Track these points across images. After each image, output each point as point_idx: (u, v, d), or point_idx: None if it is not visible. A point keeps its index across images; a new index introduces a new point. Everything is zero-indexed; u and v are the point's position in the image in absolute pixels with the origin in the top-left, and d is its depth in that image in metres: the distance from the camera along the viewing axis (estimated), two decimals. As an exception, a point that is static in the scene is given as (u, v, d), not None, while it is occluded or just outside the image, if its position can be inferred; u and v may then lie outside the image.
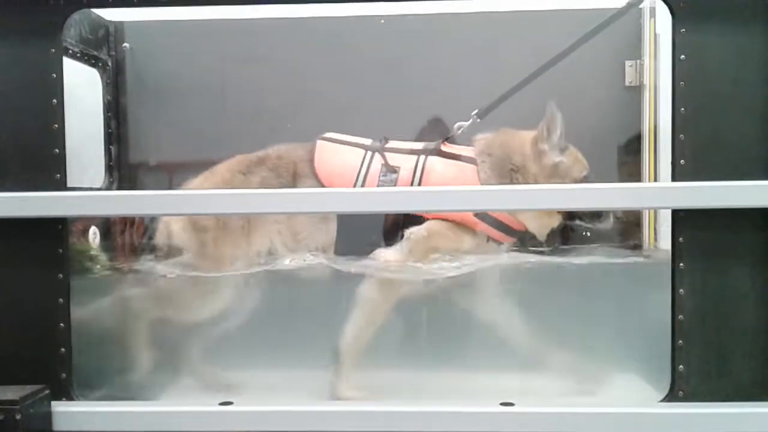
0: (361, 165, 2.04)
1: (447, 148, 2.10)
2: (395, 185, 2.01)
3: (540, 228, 2.06)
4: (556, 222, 2.06)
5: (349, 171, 2.03)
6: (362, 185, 2.01)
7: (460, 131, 2.13)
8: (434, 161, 2.05)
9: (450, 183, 2.01)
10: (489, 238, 2.04)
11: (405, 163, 2.04)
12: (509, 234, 2.04)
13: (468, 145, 2.12)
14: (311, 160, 2.08)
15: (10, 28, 1.76)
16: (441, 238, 2.00)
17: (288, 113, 2.49)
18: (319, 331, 2.05)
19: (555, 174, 2.03)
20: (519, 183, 2.03)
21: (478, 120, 2.12)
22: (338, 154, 2.09)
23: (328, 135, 2.14)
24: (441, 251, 2.00)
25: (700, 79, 1.68)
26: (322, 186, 2.04)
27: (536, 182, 2.02)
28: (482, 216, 1.99)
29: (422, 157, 2.05)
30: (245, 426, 1.73)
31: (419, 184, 2.01)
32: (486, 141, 2.11)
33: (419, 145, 2.12)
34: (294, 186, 2.08)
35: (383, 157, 2.05)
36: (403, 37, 2.45)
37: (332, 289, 2.05)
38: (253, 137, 2.48)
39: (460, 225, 2.01)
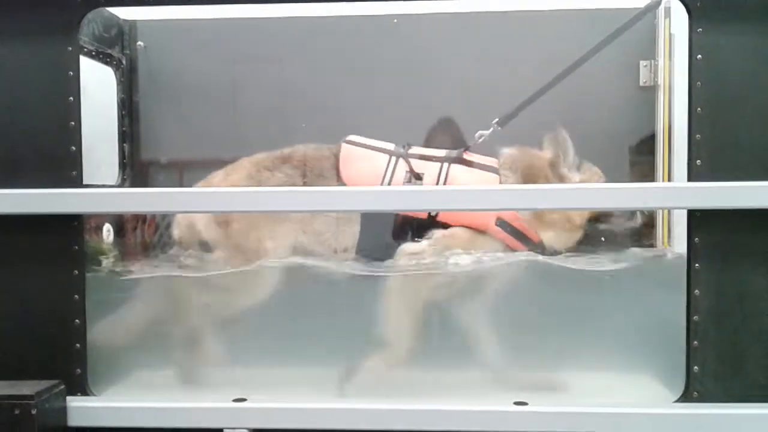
0: (386, 171, 2.05)
1: (469, 156, 2.11)
2: None
3: (556, 242, 2.06)
4: (575, 238, 2.07)
5: (373, 176, 2.05)
6: None
7: (481, 140, 2.13)
8: (457, 169, 2.07)
9: None
10: (506, 247, 2.04)
11: (428, 171, 2.06)
12: (526, 244, 2.05)
13: (488, 155, 2.13)
14: (336, 164, 2.09)
15: (27, 26, 1.78)
16: (462, 243, 2.01)
17: (300, 113, 2.50)
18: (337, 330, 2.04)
19: None
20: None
21: (499, 128, 2.12)
22: (363, 159, 2.10)
23: (351, 138, 2.15)
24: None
25: (716, 79, 1.67)
26: None
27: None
28: (503, 225, 2.01)
29: (445, 165, 2.07)
30: (259, 423, 1.74)
31: None
32: (512, 158, 2.12)
33: (442, 153, 2.13)
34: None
35: (408, 163, 2.07)
36: (416, 37, 2.45)
37: (351, 289, 2.04)
38: (265, 136, 2.49)
39: (481, 233, 2.02)
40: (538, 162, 2.12)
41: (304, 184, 2.09)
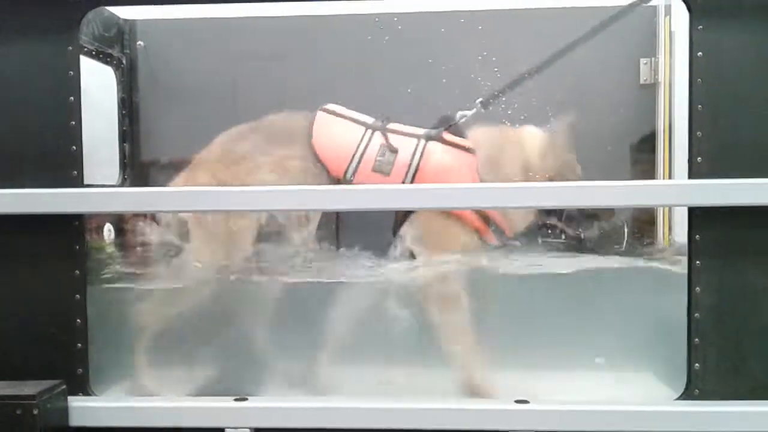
0: (360, 142, 2.01)
1: (448, 136, 2.07)
2: (392, 166, 1.99)
3: (513, 227, 2.06)
4: (527, 221, 2.06)
5: (346, 146, 2.01)
6: (358, 163, 1.99)
7: (463, 120, 2.11)
8: (434, 146, 2.03)
9: (448, 169, 2.00)
10: (477, 234, 2.03)
11: (404, 146, 2.02)
12: (490, 227, 2.04)
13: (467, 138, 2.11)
14: (309, 131, 2.04)
15: (28, 26, 1.77)
16: (438, 236, 2.01)
17: (300, 111, 2.49)
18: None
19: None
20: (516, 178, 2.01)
21: (483, 110, 2.10)
22: (337, 129, 2.06)
23: (328, 106, 2.11)
24: (436, 246, 2.01)
25: (717, 76, 1.67)
26: (316, 157, 2.02)
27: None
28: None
29: (422, 141, 2.03)
30: (261, 422, 1.74)
31: (417, 168, 1.99)
32: (487, 136, 2.09)
33: (420, 131, 2.09)
34: (286, 153, 2.06)
35: (384, 136, 2.03)
36: (414, 35, 2.45)
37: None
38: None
39: (455, 220, 2.00)
40: (516, 139, 2.08)
41: (270, 149, 2.06)
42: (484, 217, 2.01)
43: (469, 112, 2.11)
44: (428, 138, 2.05)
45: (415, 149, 2.01)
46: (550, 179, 2.02)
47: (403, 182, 1.97)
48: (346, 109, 2.12)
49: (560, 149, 2.03)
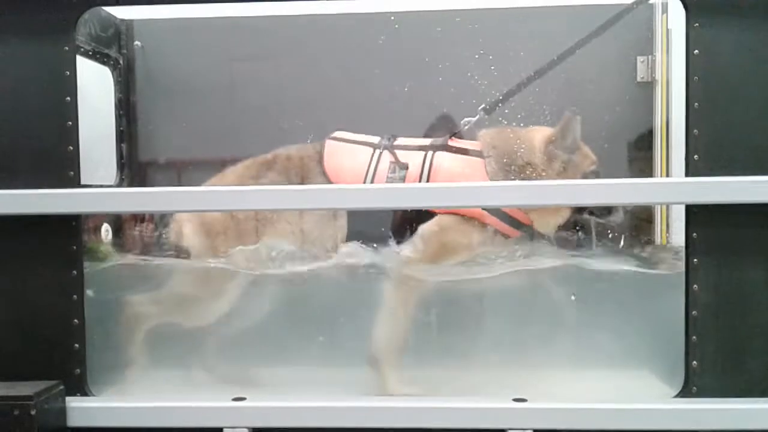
0: (369, 163, 2.05)
1: (454, 142, 2.11)
2: (404, 181, 2.02)
3: (545, 225, 2.06)
4: (561, 219, 2.05)
5: (357, 169, 2.05)
6: (371, 182, 2.03)
7: (466, 127, 2.13)
8: (442, 156, 2.06)
9: (457, 177, 2.01)
10: (497, 232, 2.04)
11: (412, 160, 2.05)
12: (517, 228, 2.04)
13: (474, 140, 2.12)
14: (320, 160, 2.10)
15: (24, 26, 1.77)
16: (451, 232, 2.01)
17: (298, 111, 2.49)
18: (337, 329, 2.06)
19: (564, 171, 2.03)
20: (527, 177, 2.02)
21: (486, 116, 2.12)
22: (347, 153, 2.11)
23: (336, 134, 2.16)
24: (452, 246, 2.00)
25: (713, 74, 1.67)
26: (330, 182, 2.06)
27: (544, 177, 2.01)
28: (492, 209, 1.99)
29: (429, 152, 2.06)
30: (259, 422, 1.74)
31: (427, 180, 2.02)
32: (492, 135, 2.10)
33: (426, 141, 2.12)
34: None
35: (392, 154, 2.06)
36: (412, 34, 2.45)
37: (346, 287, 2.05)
38: (263, 135, 2.49)
39: (470, 219, 2.01)
40: (521, 137, 2.08)
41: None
42: (504, 216, 2.02)
43: (472, 119, 2.14)
44: (434, 148, 2.08)
45: (423, 161, 2.04)
46: (564, 171, 2.03)
47: None
48: (352, 134, 2.16)
49: (566, 141, 2.03)
